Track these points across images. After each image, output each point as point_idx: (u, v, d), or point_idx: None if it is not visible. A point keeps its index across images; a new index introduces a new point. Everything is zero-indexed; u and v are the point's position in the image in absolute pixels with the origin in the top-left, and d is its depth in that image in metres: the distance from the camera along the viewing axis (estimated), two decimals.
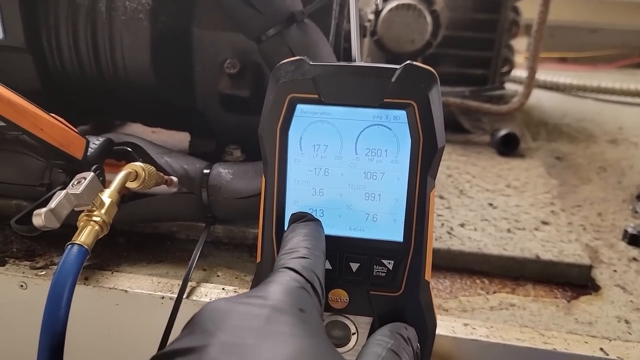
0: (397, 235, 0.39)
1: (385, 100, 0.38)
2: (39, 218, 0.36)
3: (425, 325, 0.40)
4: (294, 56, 0.53)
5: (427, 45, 0.88)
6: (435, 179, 0.39)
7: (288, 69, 0.40)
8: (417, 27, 0.85)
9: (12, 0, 0.55)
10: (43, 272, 0.52)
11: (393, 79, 0.38)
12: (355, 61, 0.42)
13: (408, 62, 0.39)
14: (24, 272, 0.52)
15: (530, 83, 0.88)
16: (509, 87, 1.15)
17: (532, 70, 0.88)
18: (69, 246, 0.38)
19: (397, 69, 0.38)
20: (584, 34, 1.71)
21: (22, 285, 0.52)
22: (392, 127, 0.39)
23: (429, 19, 0.85)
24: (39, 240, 0.57)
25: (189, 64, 0.60)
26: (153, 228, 0.62)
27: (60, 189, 0.46)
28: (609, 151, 0.96)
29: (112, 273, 0.53)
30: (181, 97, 0.62)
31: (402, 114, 0.38)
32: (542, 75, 1.35)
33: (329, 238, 0.40)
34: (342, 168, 0.40)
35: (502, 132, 0.85)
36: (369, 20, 0.66)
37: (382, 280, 0.40)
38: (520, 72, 1.20)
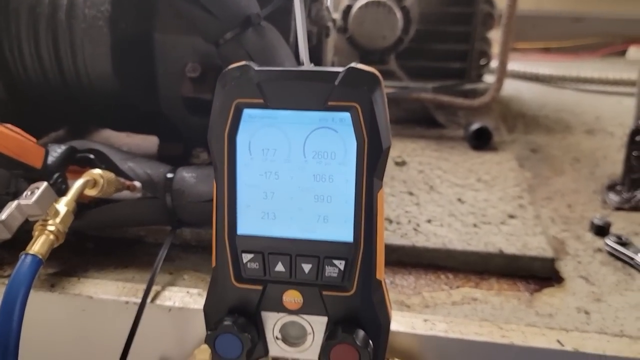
0: (348, 236, 0.40)
1: (330, 103, 0.38)
2: None
3: (378, 323, 0.41)
4: (252, 59, 0.54)
5: (398, 41, 0.88)
6: (382, 180, 0.40)
7: (234, 75, 0.40)
8: (387, 24, 0.86)
9: None
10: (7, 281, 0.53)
11: (336, 82, 0.38)
12: (302, 64, 0.42)
13: (351, 65, 0.39)
14: None
15: (501, 76, 0.89)
16: (489, 79, 1.16)
17: (502, 64, 0.89)
18: (22, 256, 0.39)
19: (340, 72, 0.39)
20: (567, 23, 1.71)
21: None
22: (338, 129, 0.39)
23: (399, 14, 0.85)
24: (9, 249, 0.58)
25: (152, 69, 0.60)
26: (122, 233, 0.62)
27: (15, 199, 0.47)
28: (584, 142, 0.97)
29: (78, 279, 0.54)
30: (146, 102, 0.62)
31: (346, 116, 0.39)
32: (522, 66, 1.35)
33: (282, 240, 0.41)
34: (292, 171, 0.40)
35: (475, 126, 0.86)
36: (333, 20, 0.66)
37: (335, 281, 0.40)
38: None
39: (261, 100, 0.39)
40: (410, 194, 0.70)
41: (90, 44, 0.57)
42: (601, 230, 0.65)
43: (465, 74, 1.06)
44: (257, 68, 0.40)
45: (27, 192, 0.41)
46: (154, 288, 0.51)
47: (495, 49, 1.07)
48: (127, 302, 0.50)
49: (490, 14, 1.03)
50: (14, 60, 0.60)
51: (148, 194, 0.55)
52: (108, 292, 0.51)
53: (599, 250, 0.62)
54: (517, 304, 0.53)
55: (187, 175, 0.56)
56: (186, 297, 0.51)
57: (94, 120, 0.71)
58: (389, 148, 0.39)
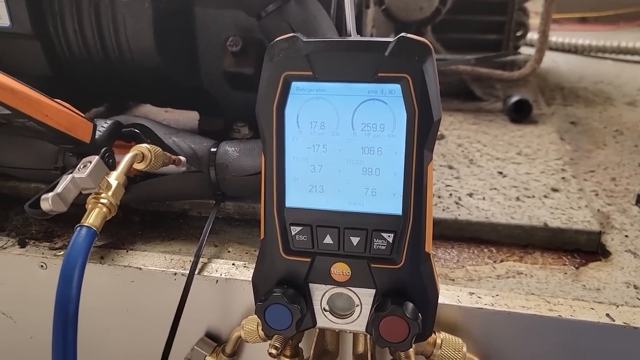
0: (396, 209, 0.40)
1: (380, 74, 0.38)
2: (47, 202, 0.37)
3: (426, 295, 0.41)
4: (294, 31, 0.53)
5: (436, 13, 0.86)
6: (432, 152, 0.39)
7: (282, 47, 0.40)
8: None
9: None
10: (61, 253, 0.54)
11: (386, 53, 0.38)
12: (350, 35, 0.42)
13: (401, 35, 0.38)
14: (43, 253, 0.54)
15: (542, 47, 0.86)
16: (525, 51, 1.13)
17: (543, 35, 0.86)
18: (78, 228, 0.40)
19: (390, 42, 0.38)
20: None
21: (42, 266, 0.54)
22: (388, 101, 0.39)
23: None
24: (57, 222, 0.59)
25: (193, 44, 0.60)
26: (166, 207, 0.63)
27: (68, 173, 0.48)
28: (626, 114, 0.94)
29: (127, 251, 0.55)
30: (187, 77, 0.63)
31: (396, 87, 0.38)
32: (560, 37, 1.32)
33: (330, 213, 0.41)
34: (340, 144, 0.40)
35: (514, 99, 0.84)
36: None
37: (383, 253, 0.40)
38: (536, 35, 1.17)
39: (310, 73, 0.39)
40: (450, 167, 0.70)
41: (132, 18, 0.58)
42: None
43: (502, 46, 1.04)
44: (305, 39, 0.39)
45: (80, 166, 0.42)
46: (201, 260, 0.52)
47: (533, 20, 1.05)
48: (175, 274, 0.51)
49: None
50: (57, 37, 0.60)
51: (192, 168, 0.56)
52: (156, 264, 0.53)
53: None
54: (563, 277, 0.53)
55: (230, 149, 0.56)
56: (232, 269, 0.52)
57: (136, 96, 0.72)
58: (439, 120, 0.39)
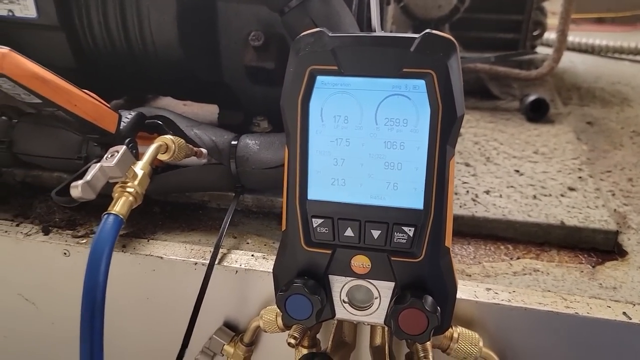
0: (418, 203, 0.40)
1: (404, 70, 0.38)
2: (76, 190, 0.38)
3: (445, 289, 0.41)
4: (317, 27, 0.54)
5: (454, 11, 0.86)
6: (454, 148, 0.40)
7: (308, 41, 0.40)
8: None
9: None
10: (84, 241, 0.55)
11: (412, 49, 0.38)
12: (374, 31, 0.42)
13: (427, 31, 0.39)
14: (66, 241, 0.55)
15: (561, 47, 0.86)
16: (542, 50, 1.13)
17: (562, 34, 0.86)
18: (105, 216, 0.41)
19: (415, 38, 0.38)
20: None
21: (65, 253, 0.55)
22: (412, 96, 0.39)
23: None
24: (79, 210, 0.61)
25: (215, 38, 0.61)
26: (186, 198, 0.64)
27: (95, 162, 0.49)
28: None
29: (148, 241, 0.56)
30: (208, 71, 0.63)
31: (421, 83, 0.39)
32: (577, 37, 1.31)
33: (351, 206, 0.41)
34: (363, 138, 0.41)
35: (531, 98, 0.84)
36: None
37: (403, 247, 0.41)
38: (553, 35, 1.17)
39: (335, 67, 0.40)
40: (467, 164, 0.70)
41: (156, 12, 0.58)
42: None
43: (519, 45, 1.04)
44: (331, 34, 0.40)
45: (108, 155, 0.42)
46: (220, 251, 0.53)
47: (550, 20, 1.05)
48: (195, 263, 0.52)
49: None
50: (82, 29, 0.61)
51: (213, 160, 0.57)
52: (177, 253, 0.53)
53: None
54: (579, 276, 0.53)
55: (250, 142, 0.57)
56: (251, 260, 0.53)
57: (157, 89, 0.73)
58: (462, 116, 0.39)
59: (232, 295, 0.53)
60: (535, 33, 1.07)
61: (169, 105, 0.87)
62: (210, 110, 0.82)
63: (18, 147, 0.60)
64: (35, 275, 0.57)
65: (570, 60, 1.22)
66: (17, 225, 0.58)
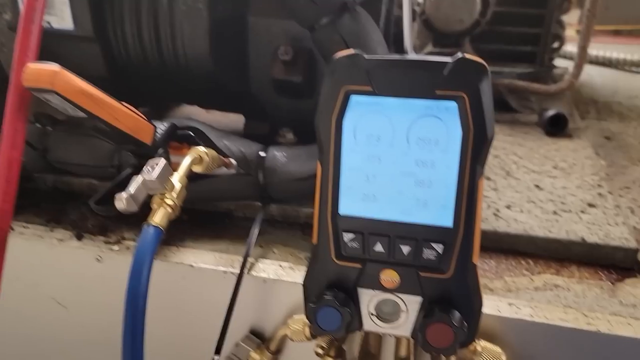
0: (447, 221, 0.42)
1: (438, 92, 0.40)
2: (121, 202, 0.40)
3: (472, 305, 0.43)
4: (346, 44, 0.55)
5: (475, 24, 0.88)
6: (484, 167, 0.41)
7: (343, 63, 0.42)
8: (466, 7, 0.85)
9: None
10: (116, 247, 0.57)
11: (445, 72, 0.40)
12: (407, 53, 0.44)
13: (460, 55, 0.40)
14: (99, 247, 0.57)
15: (581, 63, 0.87)
16: (560, 62, 1.13)
17: (583, 50, 0.87)
18: (146, 226, 0.42)
19: (449, 62, 0.40)
20: None
21: (98, 259, 0.57)
22: (443, 117, 0.40)
23: None
24: (110, 218, 0.62)
25: (245, 51, 0.63)
26: (212, 206, 0.66)
27: (131, 172, 0.50)
28: None
29: (177, 248, 0.58)
30: (237, 82, 0.65)
31: (453, 105, 0.40)
32: (594, 50, 1.32)
33: (381, 222, 0.43)
34: (394, 156, 0.42)
35: (550, 113, 0.85)
36: (419, 4, 0.67)
37: (432, 263, 0.42)
38: (571, 47, 1.18)
39: (369, 88, 0.41)
40: (488, 178, 0.71)
41: (189, 25, 0.60)
42: None
43: (537, 58, 1.05)
44: (366, 56, 0.41)
45: (148, 168, 0.44)
46: (249, 260, 0.55)
47: (569, 32, 1.05)
48: (225, 272, 0.54)
49: None
50: (116, 41, 0.63)
51: (241, 171, 0.58)
52: (206, 261, 0.55)
53: None
54: (600, 292, 0.54)
55: (278, 154, 0.58)
56: (279, 270, 0.54)
57: (186, 98, 0.75)
58: (493, 137, 0.41)
59: (259, 303, 0.55)
60: (554, 46, 1.07)
61: (192, 113, 0.89)
62: (232, 119, 0.84)
63: (52, 155, 0.62)
64: (67, 279, 0.59)
65: (587, 73, 1.22)
66: (51, 230, 0.60)
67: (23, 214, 0.64)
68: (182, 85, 0.66)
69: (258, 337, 0.56)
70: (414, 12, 0.65)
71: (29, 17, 0.42)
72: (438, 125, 0.41)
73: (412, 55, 0.42)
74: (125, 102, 0.52)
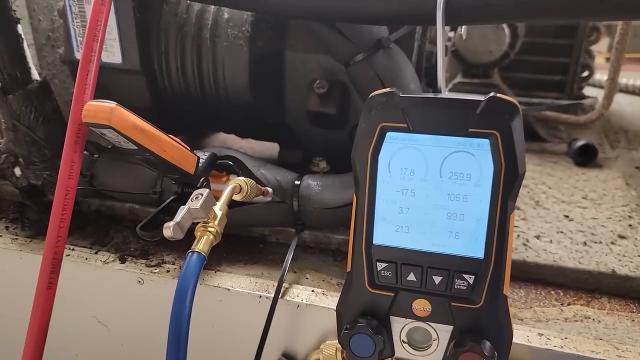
0: (479, 252, 0.43)
1: (470, 130, 0.42)
2: (168, 230, 0.42)
3: (502, 336, 0.44)
4: (380, 80, 0.57)
5: (504, 56, 0.89)
6: (515, 202, 0.43)
7: (380, 100, 0.44)
8: (495, 39, 0.87)
9: (130, 30, 0.63)
10: (157, 270, 0.60)
11: (478, 111, 0.41)
12: (440, 91, 0.46)
13: (492, 94, 0.42)
14: (140, 269, 0.60)
15: (611, 94, 0.88)
16: (589, 91, 1.14)
17: (612, 82, 0.88)
18: (190, 253, 0.45)
19: (482, 101, 0.42)
20: None
21: (139, 281, 0.59)
22: (476, 153, 0.42)
23: (507, 30, 0.87)
24: (151, 242, 0.65)
25: (282, 84, 0.66)
26: (247, 231, 0.68)
27: (173, 199, 0.53)
28: None
29: (215, 272, 0.60)
30: (273, 113, 0.68)
31: (485, 142, 0.42)
32: (624, 78, 1.32)
33: (414, 252, 0.44)
34: (428, 190, 0.44)
35: (580, 143, 0.86)
36: (450, 39, 0.69)
37: (463, 293, 0.44)
38: (600, 75, 1.18)
39: (405, 125, 0.43)
40: (517, 208, 0.72)
41: (230, 60, 0.63)
42: None
43: (566, 87, 1.06)
44: (401, 95, 0.44)
45: (193, 197, 0.47)
46: (282, 285, 0.57)
47: (599, 60, 1.06)
48: (260, 296, 0.56)
49: (597, 27, 1.02)
50: (161, 73, 0.67)
51: (277, 199, 0.61)
52: (242, 285, 0.57)
53: None
54: (631, 325, 0.54)
55: (312, 183, 0.61)
56: (312, 295, 0.56)
57: (224, 128, 0.78)
58: (524, 173, 0.42)
59: (292, 327, 0.57)
60: (583, 75, 1.08)
61: (227, 139, 0.92)
62: (266, 146, 0.87)
63: (98, 181, 0.65)
64: (110, 300, 0.62)
65: (617, 102, 1.22)
66: (96, 252, 0.63)
67: (69, 237, 0.67)
68: (221, 115, 0.69)
69: None
70: (446, 48, 0.67)
71: (87, 56, 0.46)
72: (470, 160, 0.42)
73: (445, 94, 0.44)
74: (167, 130, 0.55)
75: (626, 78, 1.31)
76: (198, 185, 0.56)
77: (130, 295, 0.61)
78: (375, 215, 0.45)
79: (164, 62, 0.66)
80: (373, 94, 0.45)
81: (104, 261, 0.61)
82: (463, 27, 0.84)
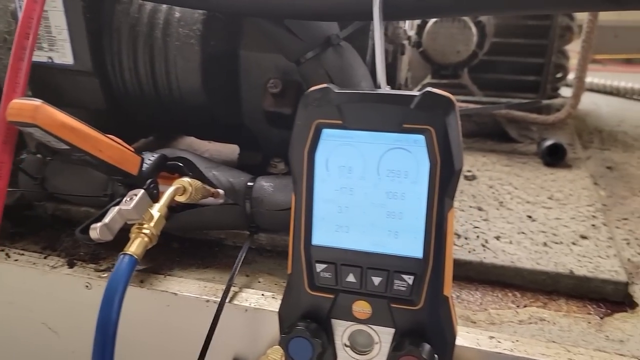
0: (417, 252, 0.42)
1: (405, 125, 0.40)
2: (95, 232, 0.41)
3: (444, 338, 0.43)
4: (331, 78, 0.56)
5: (473, 56, 0.88)
6: (453, 199, 0.41)
7: (315, 97, 0.43)
8: (462, 39, 0.86)
9: (80, 30, 0.62)
10: (105, 275, 0.58)
11: (412, 106, 0.40)
12: (379, 87, 0.45)
13: (427, 89, 0.41)
14: (89, 274, 0.58)
15: (578, 93, 0.87)
16: (565, 92, 1.13)
17: (579, 81, 0.87)
18: (121, 256, 0.43)
19: (416, 96, 0.41)
20: None
21: (87, 286, 0.58)
22: (412, 150, 0.41)
23: (474, 29, 0.86)
24: (103, 245, 0.63)
25: (237, 84, 0.65)
26: (203, 235, 0.67)
27: (117, 202, 0.52)
28: None
29: (164, 277, 0.59)
30: (230, 114, 0.67)
31: (420, 138, 0.40)
32: (602, 79, 1.31)
33: (353, 252, 0.43)
34: (366, 188, 0.43)
35: (548, 142, 0.85)
36: (408, 37, 0.68)
37: (403, 294, 0.42)
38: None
39: (340, 121, 0.42)
40: (480, 209, 0.71)
41: (182, 59, 0.62)
42: None
43: (540, 88, 1.05)
44: (337, 90, 0.43)
45: (127, 198, 0.45)
46: (232, 289, 0.55)
47: (574, 62, 1.05)
48: (207, 301, 0.54)
49: (569, 26, 1.01)
50: (114, 75, 0.66)
51: (229, 201, 0.59)
52: (191, 290, 0.56)
53: None
54: (587, 327, 0.53)
55: (265, 184, 0.59)
56: (261, 299, 0.55)
57: (181, 130, 0.77)
58: (461, 169, 0.41)
59: (242, 333, 0.55)
60: (557, 76, 1.07)
61: (194, 142, 0.91)
62: (232, 148, 0.85)
63: (49, 184, 0.64)
64: (59, 306, 0.60)
65: (594, 102, 1.22)
66: (45, 257, 0.62)
67: (22, 241, 0.66)
68: (177, 117, 0.68)
69: None
70: (402, 46, 0.66)
71: (17, 55, 0.45)
72: (407, 157, 0.41)
73: (381, 89, 0.43)
74: (126, 132, 0.54)
75: (605, 79, 1.31)
76: (145, 187, 0.55)
77: (79, 300, 0.59)
78: (314, 215, 0.44)
79: (117, 62, 0.65)
80: (308, 90, 0.44)
81: (52, 266, 0.60)
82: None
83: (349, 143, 0.42)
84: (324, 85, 0.43)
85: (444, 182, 0.41)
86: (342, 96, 0.42)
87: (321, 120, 0.42)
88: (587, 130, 1.06)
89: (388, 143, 0.42)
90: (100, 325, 0.40)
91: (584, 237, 0.64)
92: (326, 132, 0.43)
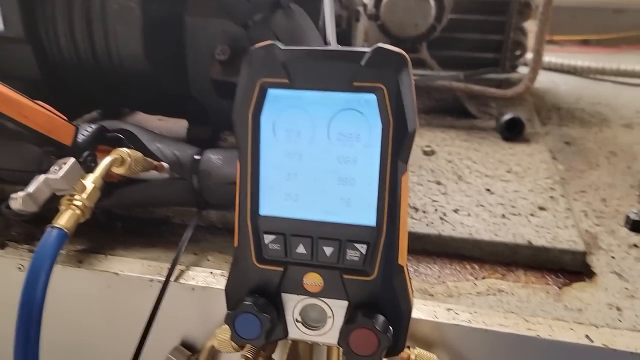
0: (370, 220, 0.39)
1: (355, 84, 0.38)
2: (16, 202, 0.37)
3: (399, 309, 0.40)
4: (279, 41, 0.53)
5: (431, 29, 0.87)
6: (407, 163, 0.39)
7: (259, 54, 0.40)
8: (420, 11, 0.84)
9: None
10: None
11: (362, 62, 0.38)
12: (329, 45, 0.42)
13: (378, 45, 0.38)
14: (21, 255, 0.54)
15: (536, 66, 0.86)
16: (524, 70, 1.13)
17: (537, 54, 0.86)
18: (49, 229, 0.39)
19: (366, 52, 0.38)
20: (608, 14, 1.66)
21: (19, 267, 0.54)
22: (364, 111, 0.38)
23: (432, 2, 0.84)
24: (38, 225, 0.59)
25: (182, 51, 0.61)
26: (149, 213, 0.63)
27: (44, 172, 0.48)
28: (622, 135, 0.93)
29: (106, 256, 0.55)
30: (176, 84, 0.63)
31: (372, 97, 0.38)
32: (560, 58, 1.32)
33: (303, 222, 0.40)
34: (316, 153, 0.40)
35: (507, 117, 0.84)
36: (363, 4, 0.65)
37: (356, 265, 0.40)
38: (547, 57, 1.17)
39: (286, 80, 0.39)
40: (438, 183, 0.69)
41: (122, 24, 0.58)
42: (637, 226, 0.62)
43: (499, 65, 1.04)
44: (282, 47, 0.39)
45: (55, 167, 0.42)
46: (179, 267, 0.52)
47: (532, 40, 1.05)
48: (151, 280, 0.51)
49: (528, 3, 1.01)
50: (48, 41, 0.61)
51: (175, 175, 0.56)
52: (133, 269, 0.52)
53: (635, 246, 0.60)
54: (545, 297, 0.52)
55: (213, 157, 0.56)
56: (209, 277, 0.51)
57: (125, 103, 0.72)
58: (414, 131, 0.39)
59: (190, 313, 0.52)
60: (516, 53, 1.07)
61: (143, 120, 0.86)
62: (184, 126, 0.81)
63: None
64: None
65: (552, 81, 1.22)
66: None
67: None
68: (119, 87, 0.64)
69: (190, 349, 0.53)
70: (357, 12, 0.63)
71: None
72: (358, 119, 0.39)
73: (330, 46, 0.40)
74: (67, 107, 0.50)
75: (562, 59, 1.31)
76: (81, 160, 0.51)
77: (11, 283, 0.54)
78: (261, 183, 0.41)
79: (51, 27, 0.60)
80: (252, 47, 0.41)
81: None
82: None
83: (296, 104, 0.39)
84: (269, 42, 0.40)
85: (397, 145, 0.38)
86: (288, 53, 0.39)
87: (266, 79, 0.39)
88: (546, 107, 1.06)
89: (338, 104, 0.39)
90: (23, 304, 0.36)
91: (542, 209, 0.63)
92: (272, 93, 0.40)
